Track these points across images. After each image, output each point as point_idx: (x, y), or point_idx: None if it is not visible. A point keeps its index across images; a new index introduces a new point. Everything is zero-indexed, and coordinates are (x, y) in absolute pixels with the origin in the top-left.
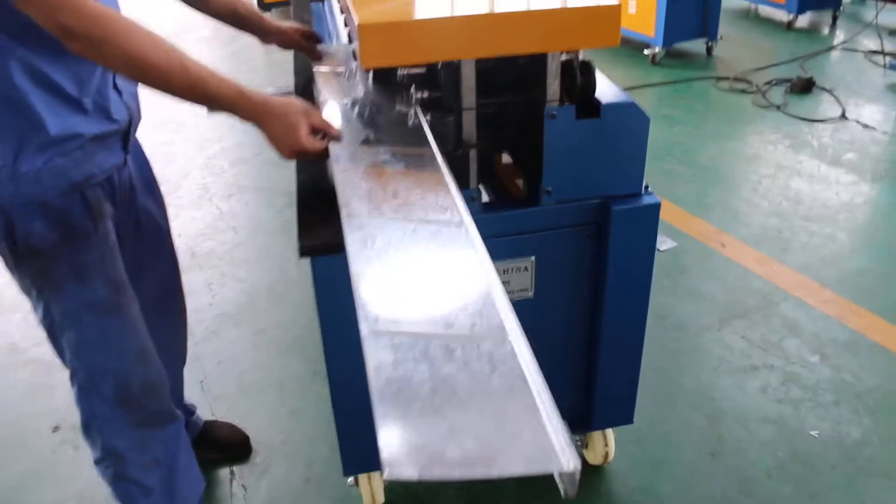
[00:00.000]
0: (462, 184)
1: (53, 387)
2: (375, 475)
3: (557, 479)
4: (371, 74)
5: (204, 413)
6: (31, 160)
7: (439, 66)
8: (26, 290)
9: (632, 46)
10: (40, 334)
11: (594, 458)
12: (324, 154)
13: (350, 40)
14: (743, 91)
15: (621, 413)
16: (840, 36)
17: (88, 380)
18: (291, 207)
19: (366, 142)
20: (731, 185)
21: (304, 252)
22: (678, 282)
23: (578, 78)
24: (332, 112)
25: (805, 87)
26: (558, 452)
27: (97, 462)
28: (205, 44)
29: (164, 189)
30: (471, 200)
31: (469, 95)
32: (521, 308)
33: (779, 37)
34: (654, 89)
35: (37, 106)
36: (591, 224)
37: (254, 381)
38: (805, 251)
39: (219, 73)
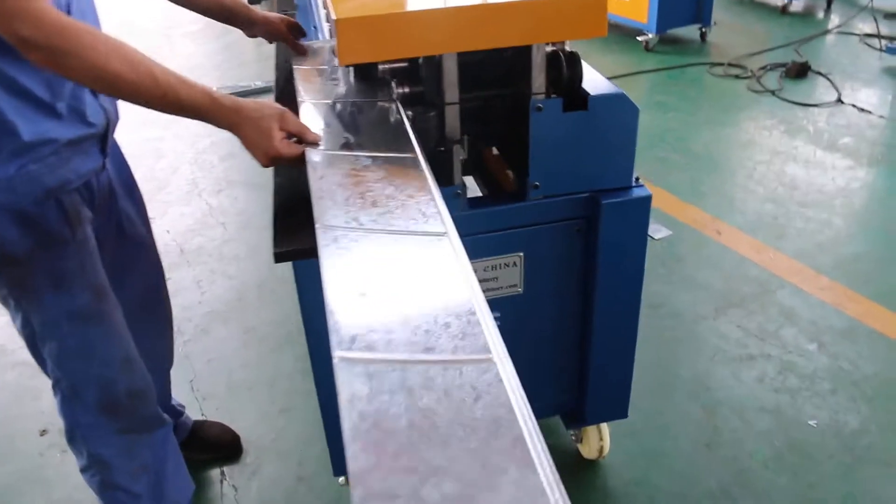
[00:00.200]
0: (446, 180)
1: (41, 390)
2: None
3: None
4: (352, 71)
5: (193, 413)
6: (3, 167)
7: (420, 60)
8: (3, 299)
9: (625, 33)
10: None
11: (589, 452)
12: (300, 159)
13: (331, 36)
14: (737, 77)
15: (615, 408)
16: (835, 19)
17: (71, 388)
18: None
19: (345, 145)
20: (726, 171)
21: (279, 258)
22: (673, 270)
23: (565, 70)
24: (310, 114)
25: (800, 71)
26: (547, 490)
27: (83, 470)
28: (193, 38)
29: (153, 185)
30: (455, 196)
31: (452, 90)
32: (510, 303)
33: (773, 21)
34: (647, 76)
35: (7, 112)
36: (581, 218)
37: (244, 379)
38: (801, 237)
39: (190, 80)
